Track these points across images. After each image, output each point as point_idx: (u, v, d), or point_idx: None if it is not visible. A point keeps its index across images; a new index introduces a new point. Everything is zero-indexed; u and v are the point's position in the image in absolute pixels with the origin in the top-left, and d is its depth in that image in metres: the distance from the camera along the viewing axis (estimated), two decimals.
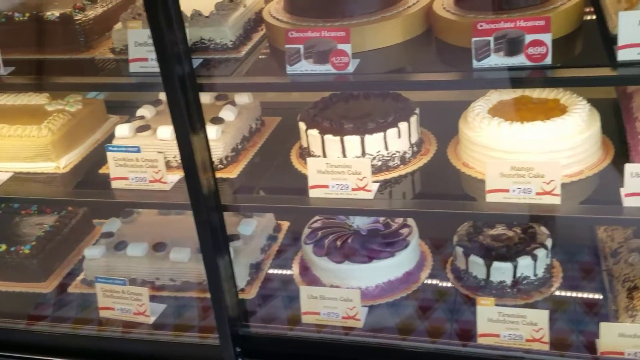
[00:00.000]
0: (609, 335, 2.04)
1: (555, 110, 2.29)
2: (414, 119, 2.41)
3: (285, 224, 3.03)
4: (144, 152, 2.37)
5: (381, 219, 2.68)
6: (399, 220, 2.69)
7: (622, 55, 1.83)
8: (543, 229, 2.52)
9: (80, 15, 2.53)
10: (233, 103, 2.71)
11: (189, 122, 2.03)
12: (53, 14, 2.52)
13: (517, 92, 2.42)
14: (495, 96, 2.42)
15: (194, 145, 2.06)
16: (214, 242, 2.16)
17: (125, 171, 2.42)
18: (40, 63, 2.48)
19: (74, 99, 2.89)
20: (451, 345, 2.31)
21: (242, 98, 2.76)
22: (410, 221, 2.70)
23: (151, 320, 2.52)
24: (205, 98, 2.78)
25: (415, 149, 2.44)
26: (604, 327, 2.05)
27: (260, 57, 2.37)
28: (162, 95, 2.76)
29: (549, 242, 2.46)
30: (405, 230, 2.64)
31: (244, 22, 2.47)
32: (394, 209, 2.23)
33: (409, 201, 2.23)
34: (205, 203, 2.11)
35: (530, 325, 2.14)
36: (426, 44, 2.27)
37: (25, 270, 2.86)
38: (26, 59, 2.49)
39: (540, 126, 2.17)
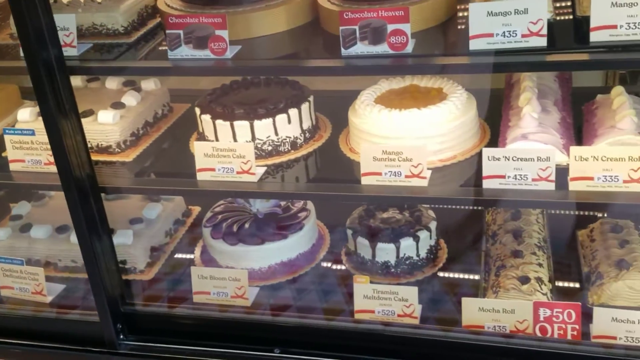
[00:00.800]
0: (470, 309, 2.14)
1: (435, 98, 2.38)
2: (305, 106, 2.48)
3: (196, 209, 3.10)
4: (39, 136, 2.43)
5: (282, 202, 2.77)
6: (299, 204, 2.77)
7: (473, 45, 1.91)
8: (430, 213, 2.62)
9: None
10: (138, 89, 2.77)
11: (55, 105, 2.08)
12: None
13: (407, 81, 2.51)
14: (385, 85, 2.50)
15: (63, 128, 2.12)
16: (89, 224, 2.23)
17: (22, 154, 2.48)
18: None
19: None
20: (337, 321, 2.40)
21: (149, 84, 2.81)
22: (309, 205, 2.78)
23: (48, 299, 2.59)
24: (112, 84, 2.84)
25: (307, 135, 2.51)
26: (465, 302, 2.15)
27: (150, 43, 2.43)
28: None
29: (432, 225, 2.56)
30: (302, 214, 2.72)
31: (139, 9, 2.53)
32: (274, 191, 2.30)
33: (288, 184, 2.31)
34: (78, 185, 2.18)
35: (401, 301, 2.23)
36: (309, 33, 2.34)
37: None
38: None
39: (415, 113, 2.25)
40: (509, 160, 2.00)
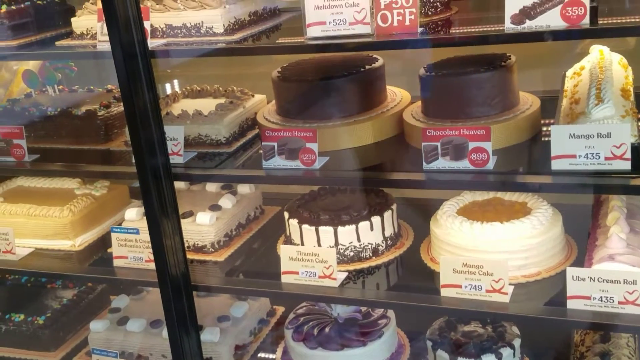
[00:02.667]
0: None
1: (519, 213, 2.39)
2: (388, 214, 2.56)
3: (280, 309, 3.17)
4: (143, 234, 2.63)
5: (363, 308, 2.79)
6: (379, 310, 2.79)
7: (555, 165, 1.94)
8: (514, 329, 2.55)
9: (103, 112, 2.90)
10: (234, 192, 2.97)
11: (159, 208, 2.28)
12: (80, 109, 2.90)
13: (490, 194, 2.55)
14: (468, 196, 2.55)
15: (164, 229, 2.30)
16: (180, 321, 2.35)
17: (126, 251, 2.68)
18: (62, 152, 2.85)
19: (101, 184, 3.23)
20: None
21: (244, 188, 3.01)
22: (390, 312, 2.79)
23: None
24: (211, 187, 3.06)
25: (389, 242, 2.57)
26: None
27: (248, 152, 2.63)
28: None
29: (516, 342, 2.48)
30: (383, 321, 2.73)
31: (240, 121, 2.75)
32: (354, 297, 2.35)
33: (368, 291, 2.35)
34: (173, 282, 2.32)
35: None
36: (393, 146, 2.45)
37: (38, 339, 3.12)
38: (50, 148, 2.87)
39: (498, 227, 2.27)
40: (594, 281, 1.96)
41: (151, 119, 2.24)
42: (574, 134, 1.90)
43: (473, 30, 2.22)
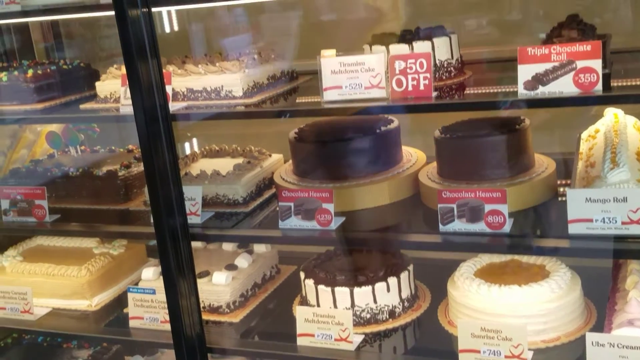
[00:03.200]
0: None
1: (537, 275, 2.36)
2: (404, 275, 2.55)
3: None
4: (159, 294, 2.64)
5: None
6: None
7: (572, 229, 1.94)
8: None
9: (124, 172, 2.95)
10: (250, 251, 2.98)
11: (176, 268, 2.29)
12: (101, 170, 2.96)
13: (508, 255, 2.53)
14: (485, 258, 2.53)
15: (180, 289, 2.30)
16: None
17: (142, 311, 2.68)
18: (82, 212, 2.89)
19: (119, 243, 3.26)
20: None
21: (260, 247, 3.01)
22: None
23: None
24: (228, 245, 3.07)
25: (406, 304, 2.55)
26: None
27: (265, 211, 2.65)
28: None
29: None
30: None
31: (258, 181, 2.79)
32: None
33: (385, 354, 2.32)
34: (188, 344, 2.32)
35: None
36: (409, 207, 2.46)
37: None
38: (71, 208, 2.92)
39: (516, 290, 2.25)
40: (614, 347, 1.92)
41: (170, 179, 2.28)
42: (590, 198, 1.90)
43: (486, 93, 2.26)
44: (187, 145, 3.67)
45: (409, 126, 2.83)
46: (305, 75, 2.89)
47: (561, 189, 2.33)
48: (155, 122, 2.33)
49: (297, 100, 2.65)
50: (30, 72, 2.81)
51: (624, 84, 1.96)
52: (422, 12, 3.06)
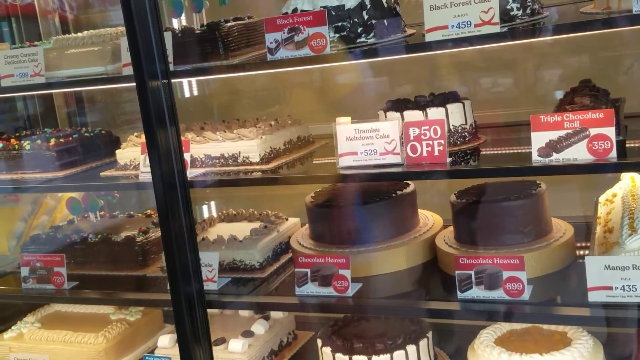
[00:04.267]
0: None
1: (559, 343, 2.31)
2: (423, 343, 2.50)
3: None
4: None
5: None
6: None
7: (592, 297, 1.91)
8: None
9: (142, 238, 2.98)
10: (267, 317, 2.95)
11: (191, 335, 2.28)
12: (119, 235, 2.99)
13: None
14: (506, 325, 2.48)
15: (196, 357, 2.28)
16: None
17: None
18: (100, 279, 2.91)
19: (136, 309, 3.25)
20: None
21: (277, 313, 2.99)
22: None
23: None
24: (244, 311, 3.05)
25: None
26: None
27: (281, 278, 2.64)
28: None
29: None
30: None
31: (274, 246, 2.80)
32: None
33: None
34: None
35: None
36: (427, 272, 2.45)
37: None
38: (89, 274, 2.94)
39: (537, 359, 2.20)
40: None
41: (187, 245, 2.30)
42: (609, 266, 1.88)
43: (501, 158, 2.27)
44: (205, 207, 3.70)
45: (424, 189, 2.84)
46: (321, 138, 2.93)
47: (580, 253, 2.30)
48: (173, 189, 2.36)
49: (314, 162, 2.68)
50: (52, 141, 2.88)
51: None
52: (436, 78, 3.12)
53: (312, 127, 2.99)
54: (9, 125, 3.78)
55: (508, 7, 2.15)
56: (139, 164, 2.69)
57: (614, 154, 1.86)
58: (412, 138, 2.23)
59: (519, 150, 2.30)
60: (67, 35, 2.96)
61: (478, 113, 2.50)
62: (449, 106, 2.39)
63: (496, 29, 1.99)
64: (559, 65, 2.83)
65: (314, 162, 2.69)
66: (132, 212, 3.30)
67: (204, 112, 3.66)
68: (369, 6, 2.37)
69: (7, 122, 3.83)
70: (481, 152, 2.34)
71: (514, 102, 2.93)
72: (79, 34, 2.94)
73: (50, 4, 3.71)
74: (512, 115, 2.88)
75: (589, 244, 2.29)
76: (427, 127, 2.23)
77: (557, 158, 1.91)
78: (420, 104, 2.47)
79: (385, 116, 2.45)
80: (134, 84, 2.33)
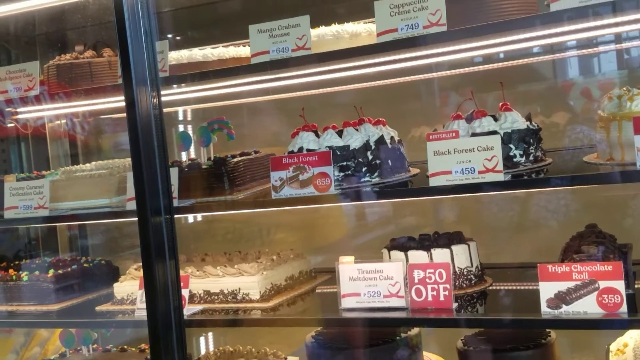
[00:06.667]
0: None
1: None
2: None
3: None
4: None
5: None
6: None
7: None
8: None
9: None
10: None
11: None
12: None
13: None
14: None
15: None
16: None
17: None
18: None
19: None
20: None
21: None
22: None
23: None
24: None
25: None
26: None
27: None
28: None
29: None
30: None
31: None
32: None
33: None
34: None
35: None
36: None
37: None
38: None
39: None
40: None
41: None
42: None
43: (508, 300, 2.21)
44: (202, 339, 3.57)
45: (430, 330, 2.74)
46: (324, 273, 2.88)
47: None
48: (168, 329, 2.29)
49: (315, 298, 2.60)
50: (51, 272, 2.83)
51: None
52: (440, 210, 3.11)
53: (314, 259, 2.95)
54: (10, 245, 3.74)
55: (511, 153, 2.18)
56: (136, 298, 2.63)
57: (624, 308, 1.80)
58: (416, 281, 2.19)
59: (526, 293, 2.24)
60: (75, 167, 3.00)
61: (484, 250, 2.46)
62: (454, 247, 2.36)
63: (500, 176, 2.01)
64: (564, 207, 2.83)
65: (315, 298, 2.63)
66: (125, 347, 3.18)
67: (209, 233, 3.61)
68: (373, 147, 2.41)
69: (8, 241, 3.80)
70: (488, 296, 2.28)
71: (519, 242, 2.90)
72: (87, 165, 2.99)
73: (61, 126, 3.79)
74: (517, 257, 2.84)
75: None
76: (432, 271, 2.18)
77: (566, 310, 1.85)
78: (424, 244, 2.44)
79: (389, 255, 2.42)
80: (136, 218, 2.33)
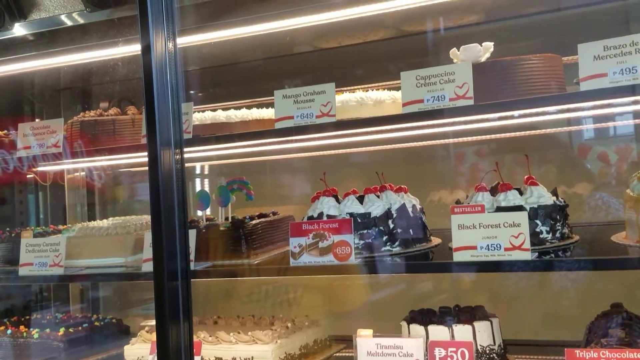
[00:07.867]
0: None
1: None
2: None
3: None
4: None
5: None
6: None
7: None
8: None
9: None
10: None
11: None
12: None
13: None
14: None
15: None
16: None
17: None
18: None
19: None
20: None
21: None
22: None
23: None
24: None
25: None
26: None
27: None
28: None
29: None
30: None
31: None
32: None
33: None
34: None
35: None
36: None
37: None
38: None
39: None
40: None
41: None
42: None
43: None
44: None
45: None
46: (340, 341, 2.80)
47: None
48: None
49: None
50: (62, 330, 2.78)
51: None
52: (461, 286, 3.02)
53: (329, 324, 2.87)
54: (21, 293, 3.69)
55: (537, 229, 2.13)
56: None
57: None
58: (437, 359, 2.11)
59: None
60: (92, 224, 2.97)
61: (502, 323, 2.38)
62: (476, 324, 2.28)
63: (527, 255, 1.95)
64: (588, 282, 2.75)
65: None
66: None
67: (222, 289, 3.54)
68: (395, 215, 2.37)
69: (19, 289, 3.74)
70: None
71: (541, 317, 2.82)
72: (104, 221, 2.96)
73: (80, 176, 3.79)
74: (539, 330, 2.75)
75: None
76: (454, 349, 2.11)
77: None
78: (445, 319, 2.36)
79: (409, 328, 2.34)
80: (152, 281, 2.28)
